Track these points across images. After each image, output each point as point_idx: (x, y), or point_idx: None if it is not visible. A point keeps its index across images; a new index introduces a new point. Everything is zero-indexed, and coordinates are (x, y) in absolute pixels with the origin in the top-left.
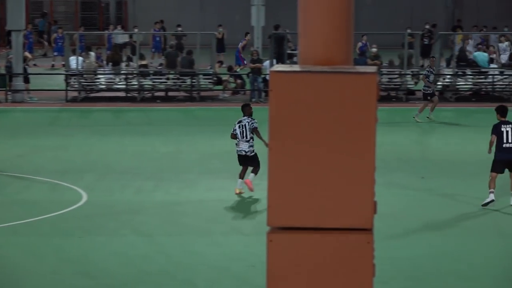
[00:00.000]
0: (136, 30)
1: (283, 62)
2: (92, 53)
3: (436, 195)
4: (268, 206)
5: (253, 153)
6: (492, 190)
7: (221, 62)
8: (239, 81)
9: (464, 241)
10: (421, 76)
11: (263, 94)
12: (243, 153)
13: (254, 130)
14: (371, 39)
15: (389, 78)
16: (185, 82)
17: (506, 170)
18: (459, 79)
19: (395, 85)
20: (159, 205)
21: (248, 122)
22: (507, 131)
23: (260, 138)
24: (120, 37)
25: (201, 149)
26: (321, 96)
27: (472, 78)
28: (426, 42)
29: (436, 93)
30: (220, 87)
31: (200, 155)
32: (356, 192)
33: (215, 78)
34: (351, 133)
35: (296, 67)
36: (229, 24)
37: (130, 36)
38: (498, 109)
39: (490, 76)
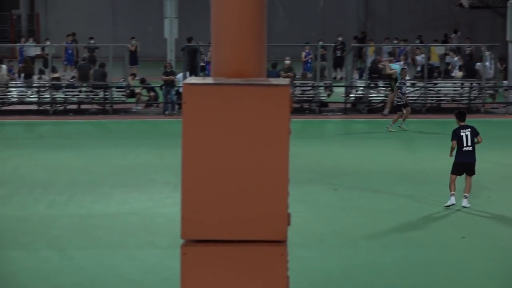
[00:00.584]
0: (48, 42)
1: (196, 75)
2: (4, 66)
3: (349, 207)
4: (182, 218)
5: None
6: (453, 192)
7: (134, 75)
8: (152, 93)
9: (377, 253)
10: (395, 88)
11: (176, 106)
12: None
13: None
14: (283, 51)
15: (302, 90)
16: (98, 95)
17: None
18: (372, 91)
19: (308, 97)
20: (73, 219)
21: None
22: (466, 135)
23: None
24: (32, 49)
25: (114, 162)
26: (235, 108)
27: (385, 90)
28: (338, 54)
29: (409, 103)
30: (133, 99)
31: (113, 168)
32: (270, 204)
33: (128, 91)
34: (264, 145)
35: (209, 80)
36: (142, 37)
37: (42, 49)
38: (457, 115)
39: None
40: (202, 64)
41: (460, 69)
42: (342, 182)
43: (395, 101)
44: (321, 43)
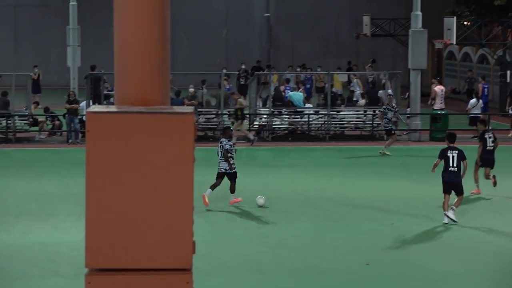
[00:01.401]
0: None
1: (99, 103)
2: None
3: (254, 234)
4: (86, 247)
5: (233, 170)
6: (445, 212)
7: (37, 103)
8: (56, 122)
9: (282, 280)
10: (378, 113)
11: (80, 135)
12: (223, 170)
13: (224, 151)
14: (187, 79)
15: (206, 118)
16: (0, 124)
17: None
18: (276, 119)
19: (212, 125)
20: None
21: (225, 144)
22: (452, 156)
23: (227, 159)
24: None
25: (18, 191)
26: (139, 136)
27: (288, 118)
28: (242, 82)
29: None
30: (36, 128)
31: (17, 197)
32: (175, 232)
33: (31, 119)
34: (169, 173)
35: (112, 108)
36: (44, 65)
37: None
38: (447, 136)
39: (306, 116)
40: (105, 92)
41: (362, 96)
42: (247, 209)
43: (383, 127)
44: (224, 71)
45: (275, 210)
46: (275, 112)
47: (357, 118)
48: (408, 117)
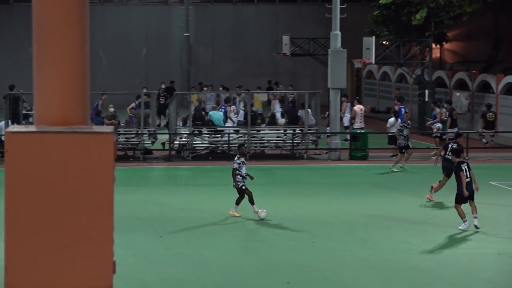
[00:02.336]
0: None
1: (18, 123)
2: None
3: (175, 254)
4: (5, 269)
5: (238, 187)
6: (465, 219)
7: None
8: None
9: None
10: (396, 131)
11: None
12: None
13: (232, 169)
14: (107, 99)
15: (126, 138)
16: None
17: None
18: (196, 138)
19: (132, 144)
20: None
21: (234, 162)
22: (465, 169)
23: (232, 176)
24: None
25: None
26: (58, 156)
27: (208, 137)
28: (162, 102)
29: (410, 145)
30: None
31: None
32: (95, 252)
33: None
34: (88, 193)
35: (32, 128)
36: None
37: None
38: (453, 152)
39: (226, 135)
40: (24, 112)
41: (282, 116)
42: (167, 229)
43: (397, 143)
44: (144, 90)
45: (196, 229)
46: (195, 132)
47: (277, 137)
48: (327, 136)
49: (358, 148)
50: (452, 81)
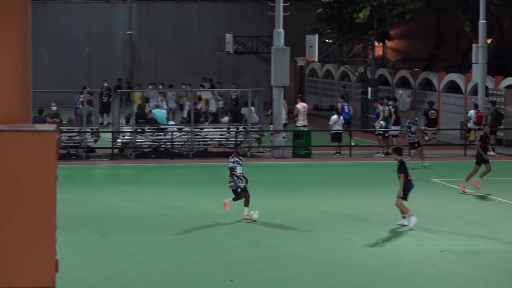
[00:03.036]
0: None
1: None
2: None
3: (118, 252)
4: None
5: (233, 188)
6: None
7: None
8: None
9: None
10: (404, 128)
11: None
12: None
13: (229, 169)
14: (50, 97)
15: (68, 136)
16: None
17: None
18: (139, 136)
19: (74, 142)
20: None
21: (229, 161)
22: (407, 167)
23: (231, 176)
24: None
25: None
26: (0, 154)
27: (151, 135)
28: (105, 100)
29: (423, 140)
30: None
31: None
32: (37, 251)
33: None
34: (31, 192)
35: None
36: None
37: None
38: (396, 151)
39: (169, 133)
40: None
41: (226, 113)
42: (110, 228)
43: (407, 140)
44: (87, 88)
45: (139, 227)
46: (138, 130)
47: (221, 135)
48: (271, 134)
49: (301, 146)
50: (395, 79)
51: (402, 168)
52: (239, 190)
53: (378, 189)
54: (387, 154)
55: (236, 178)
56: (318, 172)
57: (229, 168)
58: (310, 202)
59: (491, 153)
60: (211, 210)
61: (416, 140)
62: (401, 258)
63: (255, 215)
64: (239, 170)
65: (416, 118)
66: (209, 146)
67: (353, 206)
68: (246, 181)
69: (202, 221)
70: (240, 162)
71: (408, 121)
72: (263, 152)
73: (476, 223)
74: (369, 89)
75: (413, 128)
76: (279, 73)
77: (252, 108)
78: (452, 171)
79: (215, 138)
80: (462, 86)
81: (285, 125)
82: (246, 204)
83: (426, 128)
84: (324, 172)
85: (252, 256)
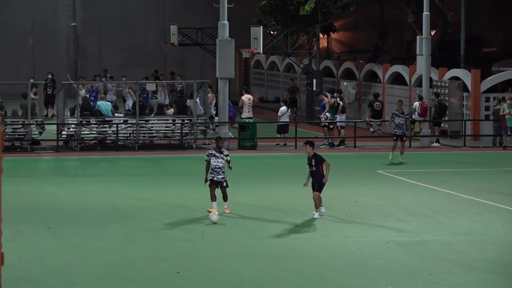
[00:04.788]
0: None
1: None
2: None
3: (63, 245)
4: None
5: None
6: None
7: None
8: None
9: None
10: (388, 118)
11: None
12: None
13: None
14: None
15: (13, 128)
16: None
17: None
18: (84, 128)
19: (19, 135)
20: None
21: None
22: None
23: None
24: None
25: None
26: None
27: (97, 127)
28: (49, 92)
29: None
30: None
31: None
32: None
33: None
34: None
35: None
36: None
37: None
38: (309, 143)
39: (115, 125)
40: None
41: (171, 105)
42: (56, 220)
43: (393, 132)
44: (32, 80)
45: (84, 220)
46: (83, 122)
47: (166, 127)
48: (216, 126)
49: (246, 137)
50: (340, 71)
51: (320, 158)
52: (208, 182)
53: None
54: (332, 145)
55: (211, 170)
56: (264, 164)
57: (206, 161)
58: (256, 194)
59: (435, 144)
60: (157, 202)
61: (400, 133)
62: (347, 249)
63: (214, 217)
64: (213, 163)
65: (404, 111)
66: (155, 138)
67: (299, 198)
68: (230, 168)
69: (148, 214)
70: (216, 155)
71: (392, 112)
72: (208, 144)
73: (421, 215)
74: (314, 81)
75: (397, 120)
76: (224, 65)
77: (198, 100)
78: (397, 162)
79: (160, 130)
80: (407, 78)
81: (211, 117)
82: (212, 198)
83: (371, 119)
84: (270, 164)
85: (198, 248)
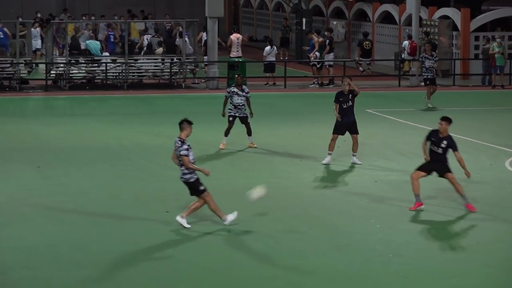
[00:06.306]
0: None
1: None
2: None
3: (53, 184)
4: None
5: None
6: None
7: None
8: None
9: (82, 229)
10: (418, 63)
11: None
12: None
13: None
14: None
15: (1, 68)
16: None
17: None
18: (73, 68)
19: (8, 74)
20: None
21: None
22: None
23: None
24: None
25: None
26: None
27: (86, 67)
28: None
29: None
30: None
31: None
32: None
33: None
34: None
35: None
36: None
37: None
38: None
39: (103, 65)
40: None
41: (160, 44)
42: (45, 160)
43: (422, 75)
44: (20, 19)
45: (74, 159)
46: (72, 61)
47: (155, 66)
48: (205, 65)
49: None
50: (329, 10)
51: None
52: (230, 118)
53: (313, 120)
54: (321, 85)
55: (233, 107)
56: (253, 103)
57: (225, 96)
58: (245, 133)
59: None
60: (146, 141)
61: (431, 76)
62: (336, 189)
63: (256, 193)
64: (236, 101)
65: (433, 53)
66: (144, 78)
67: (289, 137)
68: (251, 113)
69: (138, 153)
70: (238, 93)
71: (422, 55)
72: (197, 83)
73: (410, 153)
74: (304, 20)
75: (427, 63)
76: (213, 3)
77: (187, 39)
78: (386, 101)
79: (149, 70)
80: (396, 17)
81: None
82: (248, 132)
83: (360, 59)
84: (259, 103)
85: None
